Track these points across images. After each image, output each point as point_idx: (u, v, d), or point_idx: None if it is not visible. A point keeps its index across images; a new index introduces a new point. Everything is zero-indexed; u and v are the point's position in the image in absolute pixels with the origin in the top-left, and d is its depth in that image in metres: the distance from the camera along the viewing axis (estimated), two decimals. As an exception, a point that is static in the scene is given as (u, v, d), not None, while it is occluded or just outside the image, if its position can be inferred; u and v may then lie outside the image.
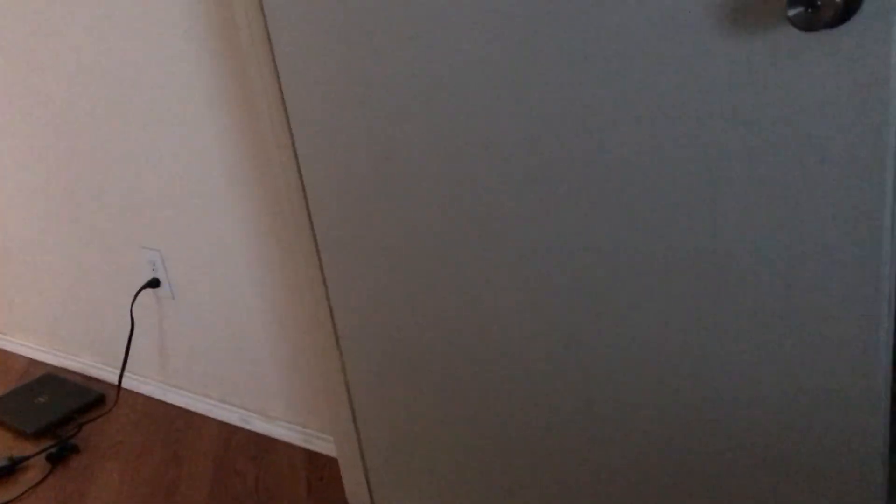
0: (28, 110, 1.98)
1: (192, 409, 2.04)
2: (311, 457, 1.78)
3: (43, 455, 1.92)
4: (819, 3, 0.70)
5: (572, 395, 1.13)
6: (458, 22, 0.99)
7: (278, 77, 1.24)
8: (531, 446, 1.23)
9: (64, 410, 2.08)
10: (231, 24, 1.44)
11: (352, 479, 1.56)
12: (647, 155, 0.90)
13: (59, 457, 1.90)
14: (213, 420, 1.98)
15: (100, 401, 2.15)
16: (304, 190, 1.31)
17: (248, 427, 1.92)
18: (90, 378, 2.29)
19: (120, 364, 2.17)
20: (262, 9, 1.20)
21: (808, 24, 0.72)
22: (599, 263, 1.01)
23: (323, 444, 1.79)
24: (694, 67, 0.83)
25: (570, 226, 1.01)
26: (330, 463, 1.75)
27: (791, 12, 0.72)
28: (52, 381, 2.26)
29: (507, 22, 0.95)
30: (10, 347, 2.53)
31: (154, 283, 1.93)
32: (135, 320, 2.06)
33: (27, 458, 1.92)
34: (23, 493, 1.79)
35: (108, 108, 1.78)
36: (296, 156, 1.28)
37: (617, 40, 0.87)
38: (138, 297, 2.00)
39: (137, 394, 2.16)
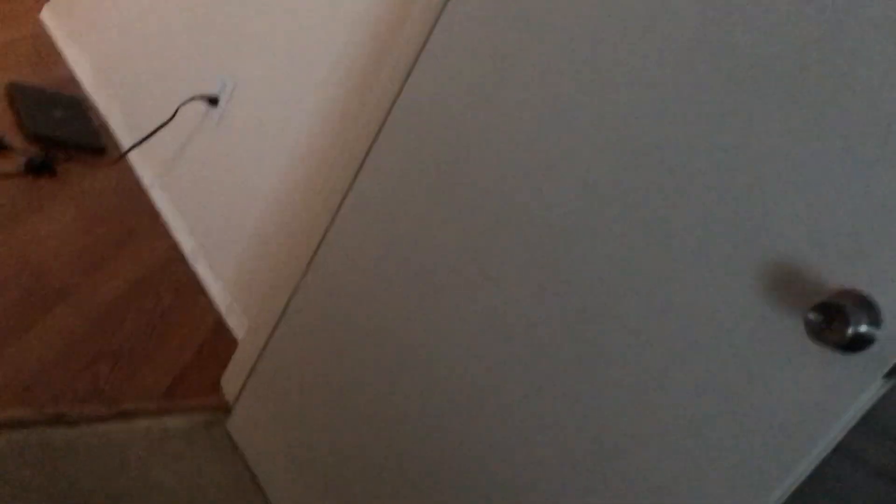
0: None
1: (164, 216, 2.12)
2: (220, 326, 1.86)
3: (25, 157, 2.00)
4: (834, 324, 0.77)
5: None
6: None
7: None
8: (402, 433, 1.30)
9: (68, 136, 2.16)
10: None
11: (235, 370, 1.63)
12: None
13: (36, 168, 1.98)
14: (171, 238, 2.06)
15: (100, 151, 2.22)
16: (381, 127, 1.37)
17: (191, 262, 2.00)
18: (106, 127, 2.37)
19: (139, 137, 2.25)
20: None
21: (816, 335, 0.78)
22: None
23: (236, 322, 1.87)
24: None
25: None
26: (231, 343, 1.83)
27: (810, 315, 0.78)
28: (79, 106, 2.34)
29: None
30: (67, 54, 2.61)
31: (212, 101, 2.01)
32: (176, 116, 2.14)
33: (12, 149, 2.00)
34: (-12, 174, 1.88)
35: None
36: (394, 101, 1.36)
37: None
38: (193, 102, 2.08)
39: (133, 169, 2.24)
